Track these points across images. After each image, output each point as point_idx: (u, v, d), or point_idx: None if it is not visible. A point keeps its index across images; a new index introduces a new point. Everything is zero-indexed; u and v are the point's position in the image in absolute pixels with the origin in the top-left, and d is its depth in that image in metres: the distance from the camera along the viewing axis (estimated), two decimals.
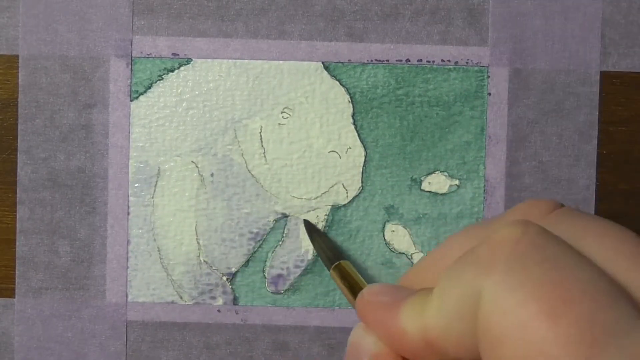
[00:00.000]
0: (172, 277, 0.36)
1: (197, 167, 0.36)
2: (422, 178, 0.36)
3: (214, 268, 0.36)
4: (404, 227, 0.36)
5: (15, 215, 0.36)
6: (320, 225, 0.36)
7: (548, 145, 0.36)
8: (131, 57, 0.36)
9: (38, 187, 0.36)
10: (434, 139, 0.36)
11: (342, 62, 0.36)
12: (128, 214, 0.36)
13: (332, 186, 0.36)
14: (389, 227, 0.36)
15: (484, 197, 0.36)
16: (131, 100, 0.36)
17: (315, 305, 0.36)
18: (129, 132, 0.36)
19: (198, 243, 0.36)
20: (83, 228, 0.36)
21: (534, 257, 0.16)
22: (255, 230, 0.36)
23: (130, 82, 0.36)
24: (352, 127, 0.36)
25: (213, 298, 0.36)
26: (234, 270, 0.36)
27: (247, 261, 0.36)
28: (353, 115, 0.36)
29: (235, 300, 0.36)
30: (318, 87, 0.36)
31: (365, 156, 0.36)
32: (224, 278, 0.36)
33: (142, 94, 0.36)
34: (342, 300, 0.36)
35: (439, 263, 0.21)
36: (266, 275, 0.36)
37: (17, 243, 0.36)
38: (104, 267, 0.36)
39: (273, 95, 0.36)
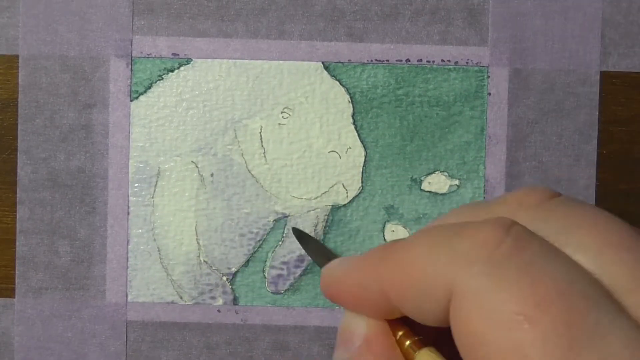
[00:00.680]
0: (172, 277, 0.36)
1: (197, 167, 0.36)
2: (422, 178, 0.36)
3: (214, 268, 0.36)
4: (404, 227, 0.36)
5: (15, 215, 0.36)
6: (320, 225, 0.36)
7: (548, 145, 0.36)
8: (131, 57, 0.36)
9: (38, 187, 0.36)
10: (434, 139, 0.36)
11: (342, 62, 0.36)
12: (128, 214, 0.36)
13: (332, 186, 0.36)
14: (389, 227, 0.36)
15: (484, 197, 0.36)
16: (131, 100, 0.36)
17: (315, 305, 0.36)
18: (129, 132, 0.36)
19: (198, 243, 0.36)
20: (83, 228, 0.36)
21: (514, 260, 0.16)
22: (255, 230, 0.36)
23: (130, 82, 0.36)
24: (352, 127, 0.36)
25: (213, 298, 0.36)
26: (234, 270, 0.36)
27: (247, 261, 0.36)
28: (353, 115, 0.36)
29: (235, 300, 0.36)
30: (318, 87, 0.36)
31: (365, 156, 0.36)
32: (224, 278, 0.36)
33: (142, 94, 0.36)
34: None
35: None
36: (266, 275, 0.36)
37: (17, 243, 0.36)
38: (104, 267, 0.36)
39: (273, 95, 0.36)
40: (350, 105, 0.36)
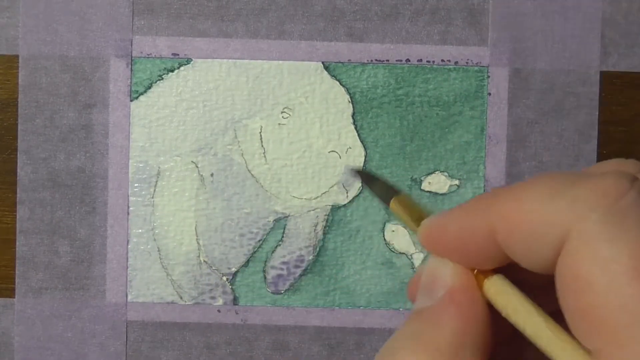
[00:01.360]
0: (172, 277, 0.36)
1: (197, 167, 0.36)
2: (422, 178, 0.36)
3: (214, 268, 0.36)
4: (404, 227, 0.36)
5: (15, 215, 0.36)
6: (320, 225, 0.36)
7: (548, 145, 0.36)
8: (131, 57, 0.36)
9: (38, 187, 0.36)
10: (434, 139, 0.36)
11: (342, 62, 0.36)
12: (128, 214, 0.36)
13: (332, 186, 0.36)
14: (389, 227, 0.36)
15: None
16: (131, 100, 0.36)
17: (315, 305, 0.36)
18: (129, 132, 0.36)
19: (198, 243, 0.36)
20: (83, 228, 0.36)
21: (636, 212, 0.16)
22: (255, 230, 0.36)
23: (130, 82, 0.36)
24: (352, 127, 0.36)
25: (213, 298, 0.36)
26: (234, 270, 0.36)
27: (247, 261, 0.36)
28: (353, 115, 0.36)
29: (235, 300, 0.36)
30: (318, 87, 0.36)
31: (365, 156, 0.36)
32: (224, 278, 0.36)
33: (142, 94, 0.36)
34: (342, 300, 0.36)
35: (520, 194, 0.20)
36: (266, 275, 0.36)
37: (17, 243, 0.36)
38: (104, 267, 0.36)
39: (273, 95, 0.36)
40: (350, 105, 0.36)
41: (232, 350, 0.36)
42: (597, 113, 0.36)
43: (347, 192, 0.36)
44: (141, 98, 0.36)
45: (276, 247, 0.36)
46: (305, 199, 0.36)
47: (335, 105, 0.36)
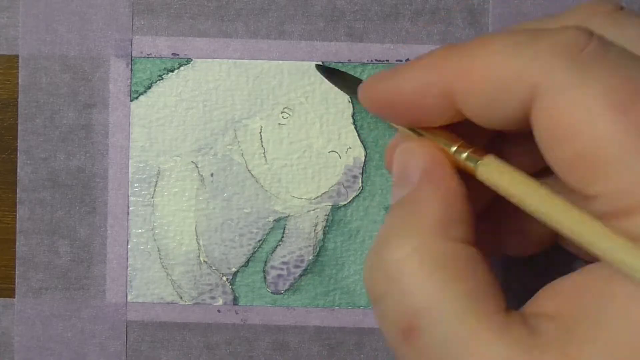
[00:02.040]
0: (172, 277, 0.36)
1: (197, 167, 0.36)
2: None
3: (214, 268, 0.36)
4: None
5: (15, 215, 0.36)
6: (320, 225, 0.36)
7: None
8: (131, 57, 0.36)
9: (38, 187, 0.36)
10: None
11: (342, 62, 0.36)
12: (128, 214, 0.36)
13: (332, 186, 0.36)
14: None
15: None
16: (131, 100, 0.36)
17: (315, 305, 0.36)
18: (129, 132, 0.36)
19: (198, 243, 0.36)
20: (83, 228, 0.36)
21: (601, 59, 0.17)
22: (255, 230, 0.36)
23: (130, 82, 0.36)
24: (352, 127, 0.36)
25: (213, 298, 0.36)
26: (234, 270, 0.36)
27: (247, 261, 0.36)
28: (353, 115, 0.36)
29: (235, 300, 0.36)
30: (318, 87, 0.36)
31: (365, 156, 0.36)
32: (224, 278, 0.36)
33: (142, 94, 0.36)
34: (342, 300, 0.36)
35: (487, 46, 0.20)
36: (266, 275, 0.36)
37: (17, 243, 0.36)
38: (104, 267, 0.36)
39: (273, 95, 0.36)
40: (350, 105, 0.36)
41: (232, 350, 0.36)
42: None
43: (347, 192, 0.36)
44: (141, 98, 0.36)
45: (276, 247, 0.36)
46: (305, 199, 0.36)
47: (335, 105, 0.36)
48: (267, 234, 0.36)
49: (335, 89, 0.35)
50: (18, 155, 0.36)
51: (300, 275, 0.36)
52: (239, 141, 0.36)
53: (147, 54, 0.36)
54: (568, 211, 0.17)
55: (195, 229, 0.36)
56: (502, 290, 0.20)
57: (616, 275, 0.16)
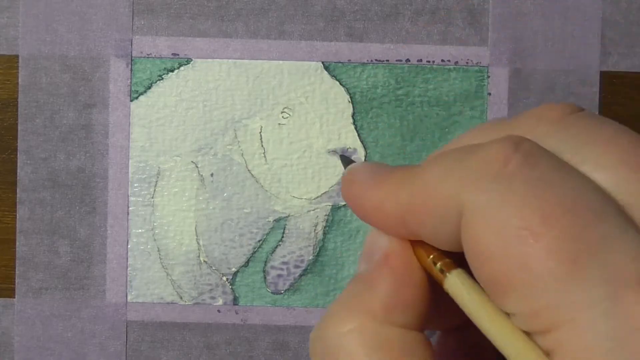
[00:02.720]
0: (172, 277, 0.36)
1: (197, 167, 0.36)
2: None
3: (214, 268, 0.36)
4: None
5: (15, 215, 0.36)
6: (320, 225, 0.36)
7: None
8: (131, 57, 0.36)
9: (38, 187, 0.36)
10: (434, 139, 0.36)
11: (342, 62, 0.36)
12: (128, 214, 0.36)
13: (332, 186, 0.36)
14: None
15: None
16: (131, 100, 0.36)
17: (315, 305, 0.36)
18: (129, 132, 0.36)
19: (198, 243, 0.36)
20: (83, 228, 0.36)
21: (522, 175, 0.16)
22: (255, 230, 0.36)
23: (130, 82, 0.36)
24: (352, 127, 0.36)
25: (213, 298, 0.36)
26: (234, 270, 0.36)
27: (247, 261, 0.36)
28: (353, 115, 0.36)
29: (235, 300, 0.36)
30: (318, 87, 0.36)
31: (365, 156, 0.36)
32: (224, 278, 0.36)
33: (142, 94, 0.36)
34: None
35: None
36: (266, 275, 0.36)
37: (17, 243, 0.36)
38: (104, 267, 0.36)
39: (273, 95, 0.36)
40: (350, 105, 0.36)
41: (232, 350, 0.36)
42: (597, 113, 0.36)
43: None
44: (141, 98, 0.36)
45: (276, 247, 0.36)
46: (305, 199, 0.36)
47: (335, 105, 0.36)
48: (267, 234, 0.36)
49: (335, 89, 0.36)
50: (18, 155, 0.36)
51: (300, 275, 0.36)
52: (239, 141, 0.36)
53: (147, 54, 0.36)
54: (513, 338, 0.17)
55: (195, 229, 0.36)
56: None
57: None
